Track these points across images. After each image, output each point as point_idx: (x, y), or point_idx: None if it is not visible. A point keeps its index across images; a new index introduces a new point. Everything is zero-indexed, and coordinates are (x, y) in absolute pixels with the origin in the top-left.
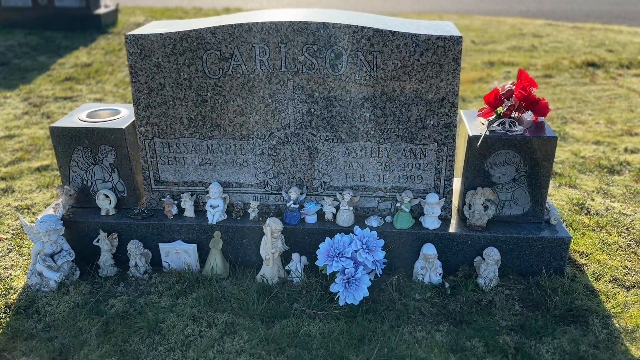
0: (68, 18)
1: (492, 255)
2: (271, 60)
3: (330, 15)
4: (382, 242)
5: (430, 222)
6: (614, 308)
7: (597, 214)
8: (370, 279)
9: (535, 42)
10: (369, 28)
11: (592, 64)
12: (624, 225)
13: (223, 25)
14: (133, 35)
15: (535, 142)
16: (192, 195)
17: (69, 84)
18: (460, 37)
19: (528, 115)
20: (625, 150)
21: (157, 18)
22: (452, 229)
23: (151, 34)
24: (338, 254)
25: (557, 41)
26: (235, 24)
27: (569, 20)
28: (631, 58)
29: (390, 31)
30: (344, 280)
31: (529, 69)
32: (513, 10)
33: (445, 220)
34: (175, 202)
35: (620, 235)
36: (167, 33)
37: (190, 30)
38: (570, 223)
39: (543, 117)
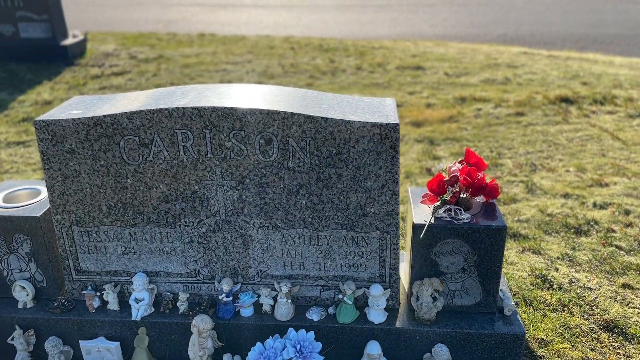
0: (34, 49)
1: (441, 354)
2: (195, 146)
3: (270, 96)
4: (318, 346)
5: (375, 315)
6: None
7: (560, 288)
8: None
9: (509, 74)
10: (300, 115)
11: (566, 100)
12: (588, 303)
13: (140, 111)
14: (43, 121)
15: (483, 232)
16: (115, 285)
17: (25, 125)
18: (397, 124)
19: (479, 198)
20: (594, 205)
21: (130, 45)
22: (400, 322)
23: (62, 120)
24: None
25: (532, 72)
26: (153, 110)
27: (545, 46)
28: (605, 92)
29: (322, 118)
30: None
31: (501, 105)
32: (491, 35)
33: (392, 310)
34: (98, 293)
35: (583, 316)
36: (79, 119)
37: (104, 116)
38: (531, 302)
39: (494, 199)
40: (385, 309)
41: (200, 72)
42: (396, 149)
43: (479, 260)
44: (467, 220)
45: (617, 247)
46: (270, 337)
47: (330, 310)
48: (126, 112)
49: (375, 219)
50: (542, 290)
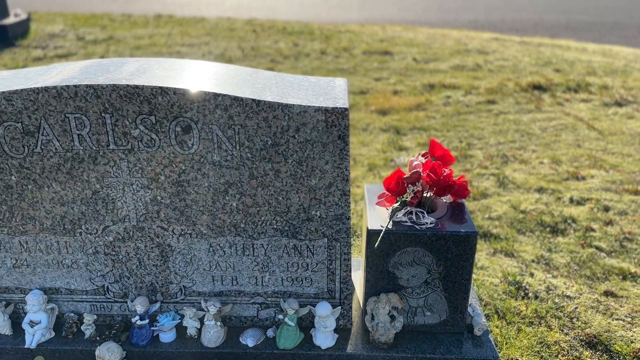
0: None
1: None
2: (94, 135)
3: (192, 72)
4: None
5: (323, 338)
6: None
7: (537, 297)
8: None
9: (479, 60)
10: (225, 96)
11: (539, 87)
12: (567, 315)
13: (20, 90)
14: None
15: (449, 239)
16: (6, 305)
17: None
18: (346, 109)
19: (445, 197)
20: (571, 200)
21: (79, 26)
22: (352, 346)
23: None
24: None
25: (503, 58)
26: (38, 88)
27: (517, 32)
28: (579, 80)
29: (253, 100)
30: None
31: (472, 93)
32: (461, 20)
33: (343, 331)
34: None
35: (562, 331)
36: None
37: None
38: (504, 314)
39: (463, 199)
40: (335, 330)
41: (151, 55)
42: (345, 139)
43: (444, 272)
44: (431, 225)
45: (597, 248)
46: None
47: (269, 333)
48: (3, 92)
49: (322, 224)
50: (516, 299)
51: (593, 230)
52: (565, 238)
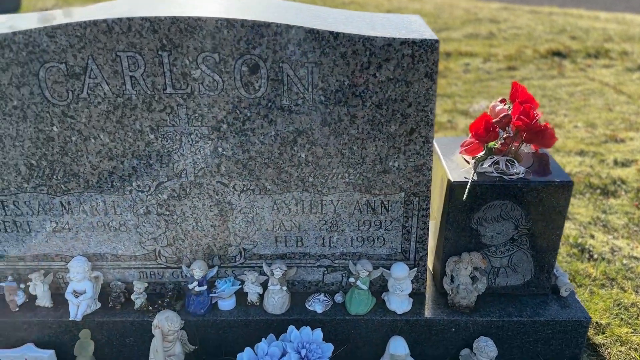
0: None
1: (487, 351)
2: (149, 77)
3: (249, 6)
4: (329, 348)
5: (398, 303)
6: None
7: (603, 258)
8: None
9: (492, 29)
10: (300, 28)
11: (558, 53)
12: (639, 276)
13: (66, 25)
14: None
15: (543, 190)
16: (45, 274)
17: None
18: (437, 41)
19: (527, 148)
20: (615, 162)
21: (72, 1)
22: (429, 311)
23: None
24: None
25: (516, 27)
26: (85, 22)
27: (524, 3)
28: (597, 47)
29: (331, 33)
30: None
31: (490, 60)
32: None
33: (417, 295)
34: (22, 285)
35: (636, 292)
36: None
37: (14, 33)
38: (573, 276)
39: (546, 149)
40: (410, 295)
41: None
42: (433, 77)
43: (533, 228)
44: (522, 175)
45: None
46: (263, 338)
47: (338, 298)
48: (45, 28)
49: (400, 176)
50: (582, 261)
51: None
52: (617, 200)
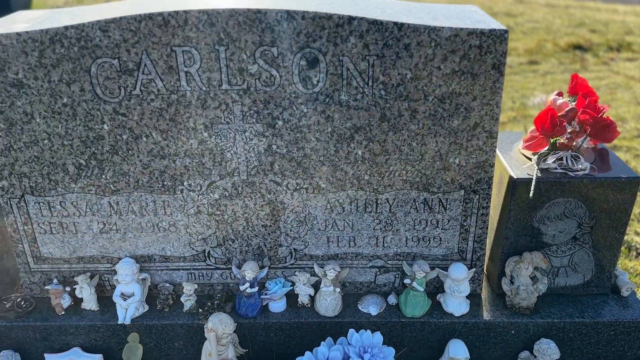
0: None
1: (549, 353)
2: (204, 72)
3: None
4: (391, 352)
5: (455, 305)
6: None
7: None
8: None
9: (510, 22)
10: (362, 19)
11: (579, 47)
12: None
13: (121, 18)
14: None
15: (609, 186)
16: (91, 277)
17: None
18: (506, 31)
19: (585, 143)
20: None
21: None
22: (487, 313)
23: (2, 35)
24: None
25: (534, 21)
26: (140, 15)
27: None
28: (619, 40)
29: (395, 23)
30: None
31: (511, 54)
32: None
33: (474, 297)
34: (68, 288)
35: None
36: (28, 33)
37: (66, 28)
38: None
39: (604, 144)
40: (466, 296)
41: None
42: (500, 69)
43: (595, 226)
44: (587, 172)
45: None
46: (323, 341)
47: (391, 299)
48: (99, 22)
49: (460, 173)
50: (629, 259)
51: None
52: None
